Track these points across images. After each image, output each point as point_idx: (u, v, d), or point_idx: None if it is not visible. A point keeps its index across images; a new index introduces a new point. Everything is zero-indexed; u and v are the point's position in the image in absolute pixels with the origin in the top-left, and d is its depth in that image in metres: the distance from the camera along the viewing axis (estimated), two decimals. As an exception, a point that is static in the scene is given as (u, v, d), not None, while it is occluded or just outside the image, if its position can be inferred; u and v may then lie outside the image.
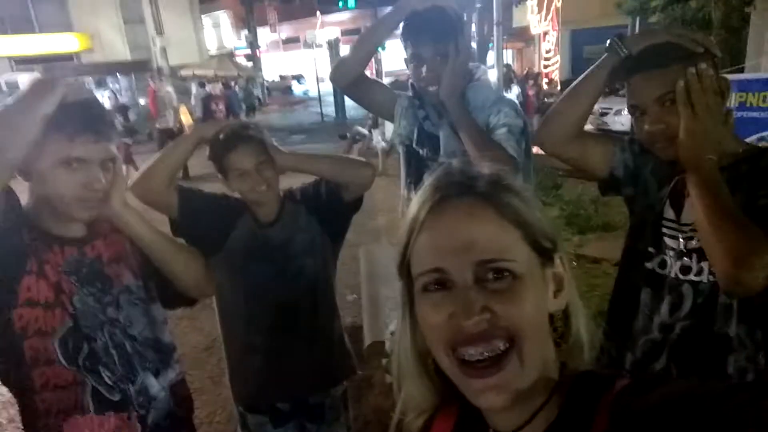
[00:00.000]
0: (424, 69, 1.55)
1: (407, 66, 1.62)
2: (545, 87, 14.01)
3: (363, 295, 3.60)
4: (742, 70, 4.25)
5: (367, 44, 1.64)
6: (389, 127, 2.04)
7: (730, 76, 3.36)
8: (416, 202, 0.57)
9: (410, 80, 1.68)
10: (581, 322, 0.59)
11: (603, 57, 1.26)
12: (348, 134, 9.84)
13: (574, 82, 1.33)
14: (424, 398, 0.65)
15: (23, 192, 1.12)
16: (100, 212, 1.16)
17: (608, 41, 1.24)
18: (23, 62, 18.63)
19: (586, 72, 1.31)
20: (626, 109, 1.25)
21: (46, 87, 1.02)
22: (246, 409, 1.73)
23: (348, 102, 16.87)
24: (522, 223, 0.53)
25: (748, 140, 1.79)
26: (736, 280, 0.98)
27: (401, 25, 1.56)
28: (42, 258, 1.09)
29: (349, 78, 1.66)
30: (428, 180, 0.58)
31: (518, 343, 0.51)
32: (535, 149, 1.57)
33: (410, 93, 1.72)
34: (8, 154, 0.96)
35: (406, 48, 1.58)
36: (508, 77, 12.52)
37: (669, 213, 1.22)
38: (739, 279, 0.97)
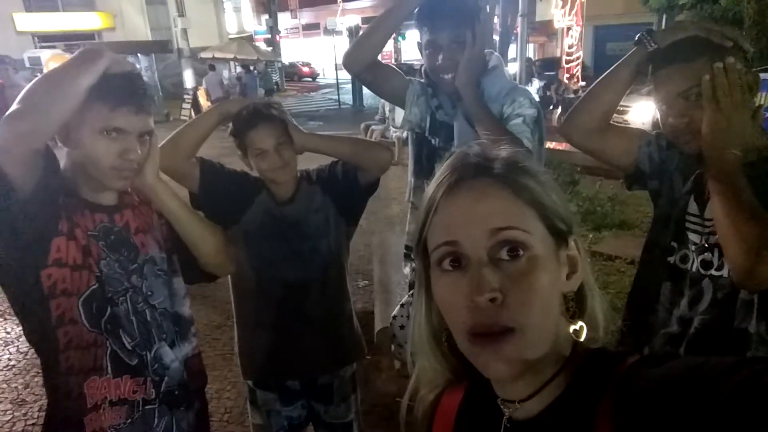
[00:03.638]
0: (440, 57, 1.52)
1: (421, 52, 1.59)
2: (566, 82, 13.83)
3: (375, 282, 3.62)
4: (772, 70, 4.16)
5: (382, 29, 1.61)
6: (399, 114, 2.02)
7: (760, 75, 3.27)
8: (434, 182, 0.58)
9: (423, 67, 1.65)
10: (596, 302, 0.59)
11: (631, 50, 1.25)
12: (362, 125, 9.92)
13: (602, 76, 1.33)
14: (436, 373, 0.66)
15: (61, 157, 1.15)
16: (132, 183, 1.19)
17: (637, 35, 1.23)
18: (46, 39, 18.83)
19: (614, 65, 1.30)
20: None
21: (93, 56, 1.04)
22: (255, 385, 1.75)
23: (366, 90, 16.85)
24: (537, 204, 0.54)
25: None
26: (749, 272, 0.98)
27: (416, 10, 1.53)
28: (73, 221, 1.12)
29: (363, 64, 1.64)
30: (446, 162, 0.59)
31: (526, 324, 0.52)
32: (555, 144, 1.56)
33: (423, 80, 1.70)
34: (49, 116, 0.99)
35: (421, 34, 1.56)
36: (530, 71, 12.40)
37: (693, 208, 1.21)
38: (753, 272, 0.97)
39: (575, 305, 0.58)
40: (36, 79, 1.02)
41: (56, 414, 1.14)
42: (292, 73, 29.65)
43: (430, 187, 0.58)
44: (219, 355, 3.25)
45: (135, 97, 1.11)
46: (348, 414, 1.80)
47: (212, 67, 15.19)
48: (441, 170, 0.58)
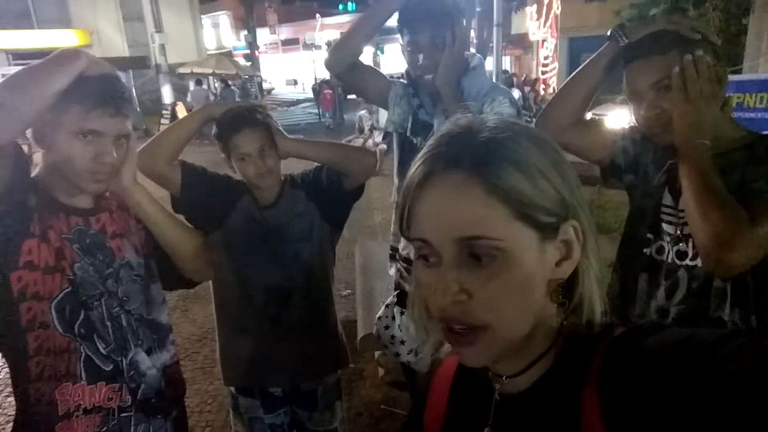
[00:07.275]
0: (420, 57, 1.55)
1: (403, 53, 1.62)
2: (542, 93, 14.09)
3: (357, 290, 3.60)
4: (740, 72, 4.29)
5: (364, 29, 1.63)
6: (383, 114, 2.03)
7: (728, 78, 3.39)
8: (412, 167, 0.54)
9: (405, 68, 1.68)
10: (586, 291, 0.54)
11: (604, 46, 1.28)
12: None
13: (575, 72, 1.36)
14: (432, 340, 0.65)
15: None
16: (108, 186, 1.17)
17: (609, 30, 1.26)
18: (21, 57, 18.55)
19: (587, 61, 1.33)
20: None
21: (70, 57, 1.03)
22: (237, 391, 1.72)
23: (345, 104, 16.93)
24: (514, 200, 0.48)
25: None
26: (717, 260, 1.00)
27: (398, 12, 1.55)
28: (46, 223, 1.09)
29: (345, 64, 1.65)
30: (428, 142, 0.55)
31: (496, 321, 0.51)
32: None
33: (405, 80, 1.71)
34: (17, 114, 0.97)
35: (402, 35, 1.58)
36: (508, 83, 12.61)
37: (667, 199, 1.23)
38: (721, 259, 0.99)
39: (562, 294, 0.53)
40: (9, 75, 1.00)
41: (25, 421, 1.10)
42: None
43: (410, 169, 0.54)
44: (199, 368, 3.19)
45: (112, 99, 1.09)
46: (333, 421, 1.77)
47: (199, 82, 15.11)
48: (419, 155, 0.54)
